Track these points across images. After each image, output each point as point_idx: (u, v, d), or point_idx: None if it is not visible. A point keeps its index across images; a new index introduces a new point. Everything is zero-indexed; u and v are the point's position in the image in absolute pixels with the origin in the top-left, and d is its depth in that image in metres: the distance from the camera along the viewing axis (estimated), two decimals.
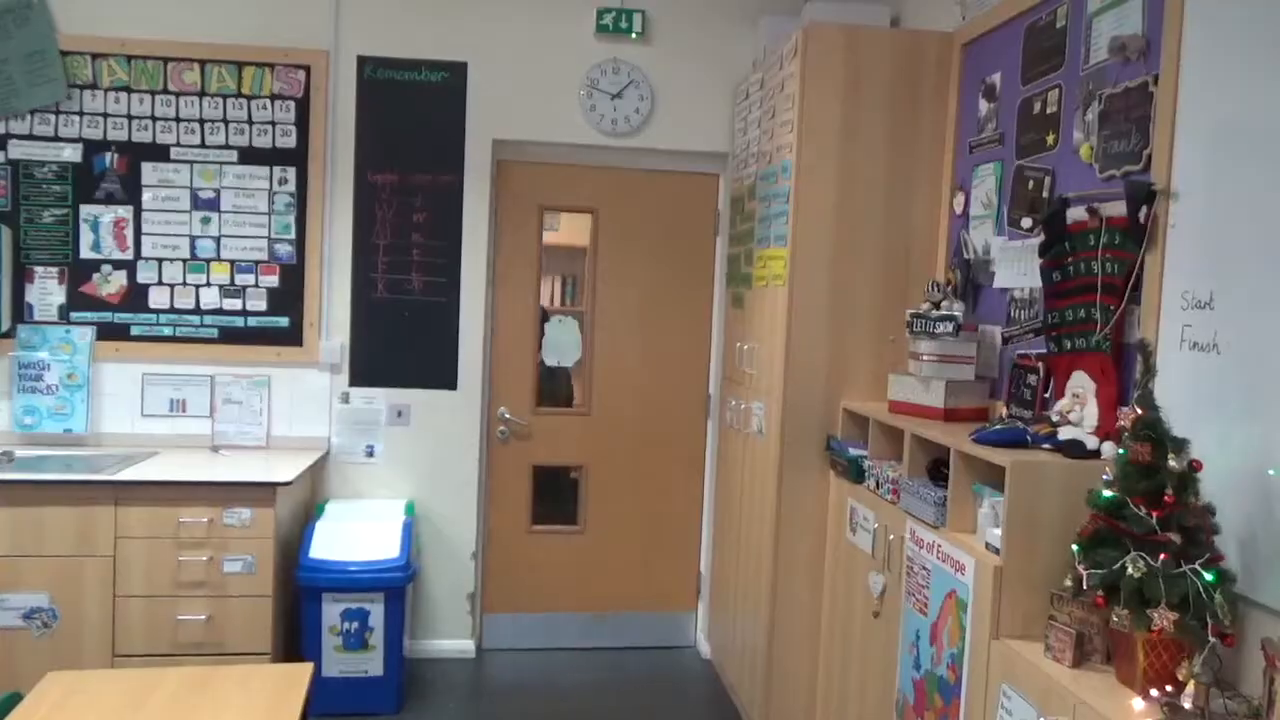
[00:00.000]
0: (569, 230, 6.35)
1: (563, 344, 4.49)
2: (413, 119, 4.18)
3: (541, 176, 4.38)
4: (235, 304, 4.14)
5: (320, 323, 4.16)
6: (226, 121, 4.09)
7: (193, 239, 4.12)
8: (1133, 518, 1.88)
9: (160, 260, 4.10)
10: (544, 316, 4.51)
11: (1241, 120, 1.99)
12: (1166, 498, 1.85)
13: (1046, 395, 2.65)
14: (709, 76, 4.33)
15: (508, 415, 4.39)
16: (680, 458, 4.54)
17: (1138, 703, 1.83)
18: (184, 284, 4.12)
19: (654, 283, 4.48)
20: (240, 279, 4.14)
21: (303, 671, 2.64)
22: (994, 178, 3.04)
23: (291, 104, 4.11)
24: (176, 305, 4.11)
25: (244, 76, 4.09)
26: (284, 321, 4.16)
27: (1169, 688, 1.81)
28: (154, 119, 4.06)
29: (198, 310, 4.12)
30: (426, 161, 4.20)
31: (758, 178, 3.82)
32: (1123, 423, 1.96)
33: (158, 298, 4.10)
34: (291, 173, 4.13)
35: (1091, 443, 2.27)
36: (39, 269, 4.04)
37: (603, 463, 4.50)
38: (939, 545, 2.49)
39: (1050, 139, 2.72)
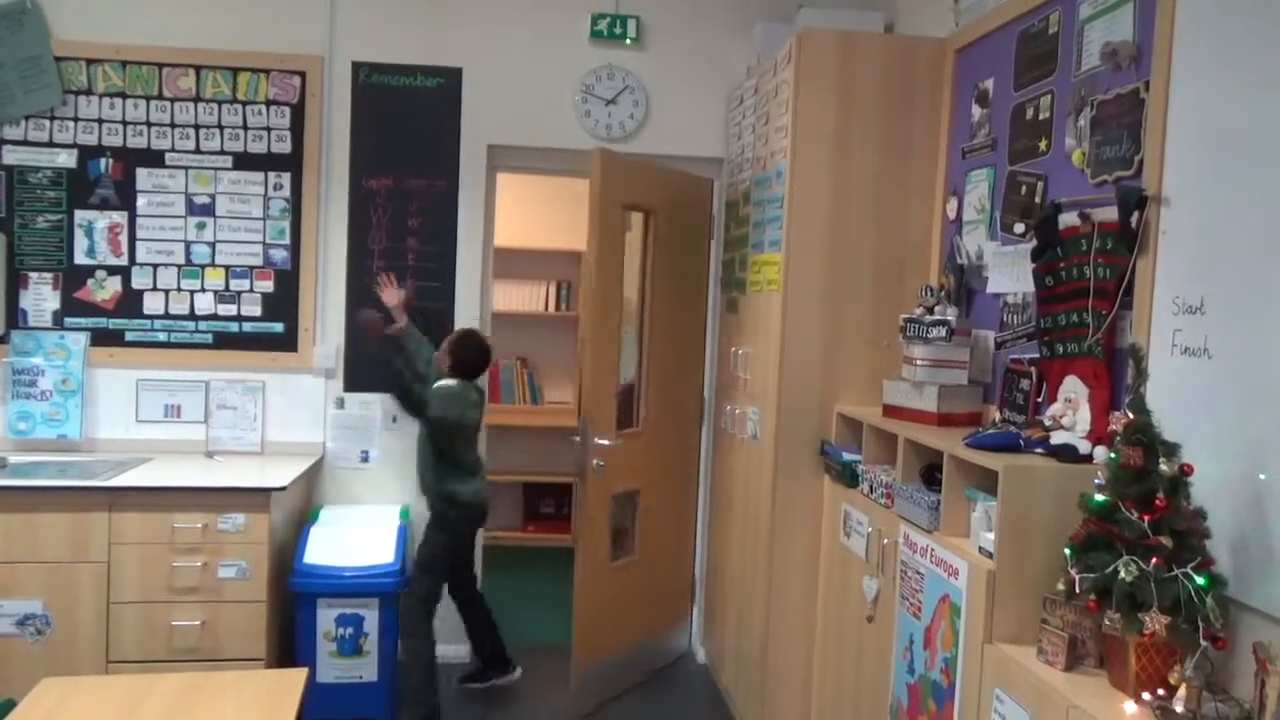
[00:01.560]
0: (554, 230, 6.34)
1: (628, 357, 4.20)
2: (407, 124, 4.19)
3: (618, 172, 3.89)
4: (230, 309, 4.14)
5: (315, 328, 4.16)
6: (221, 127, 4.10)
7: (187, 244, 4.12)
8: (1124, 522, 1.89)
9: (155, 266, 4.10)
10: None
11: (1232, 127, 2.01)
12: (1158, 502, 1.86)
13: (1039, 400, 2.66)
14: (703, 82, 4.34)
15: (605, 443, 3.84)
16: (680, 464, 4.50)
17: (1130, 706, 1.84)
18: (178, 289, 4.12)
19: (658, 288, 4.33)
20: (235, 284, 4.14)
21: (297, 677, 2.64)
22: (987, 183, 3.05)
23: (286, 109, 4.12)
24: (171, 311, 4.11)
25: (239, 82, 4.09)
26: (279, 327, 4.16)
27: (1161, 691, 1.82)
28: (149, 124, 4.07)
29: (192, 316, 4.12)
30: (421, 166, 4.20)
31: (752, 183, 3.83)
32: (1114, 427, 1.97)
33: (152, 303, 4.10)
34: (286, 178, 4.13)
35: (1084, 447, 2.27)
36: (33, 274, 4.04)
37: (651, 482, 4.22)
38: (932, 549, 2.49)
39: (1043, 145, 2.74)
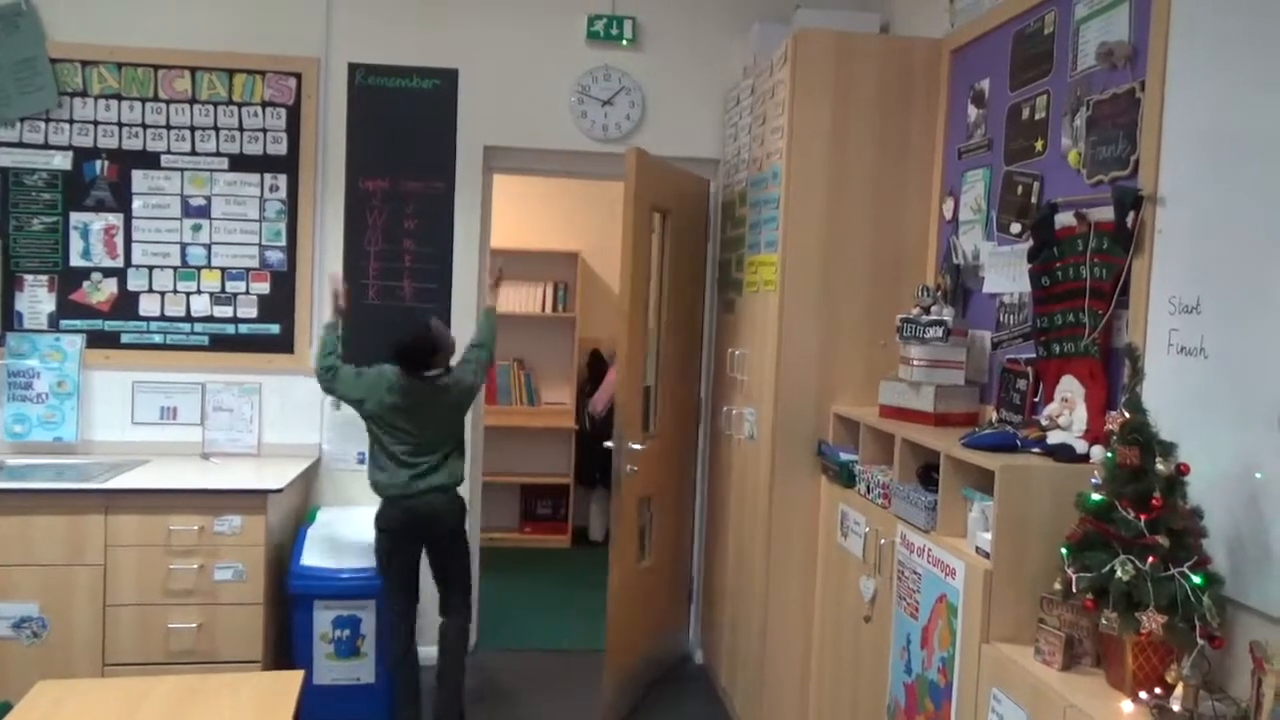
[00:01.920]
0: (551, 231, 6.34)
1: (648, 360, 4.14)
2: (404, 126, 4.18)
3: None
4: (226, 311, 4.14)
5: (311, 330, 4.15)
6: (217, 128, 4.09)
7: (183, 246, 4.11)
8: (1121, 521, 1.89)
9: (150, 268, 4.09)
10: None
11: (1227, 127, 2.01)
12: (1154, 501, 1.86)
13: (1036, 399, 2.66)
14: (700, 83, 4.34)
15: (638, 448, 3.82)
16: (683, 467, 4.48)
17: (1127, 705, 1.84)
18: (174, 291, 4.11)
19: (670, 290, 4.24)
20: (231, 286, 4.14)
21: (293, 679, 2.64)
22: (983, 183, 3.06)
23: (282, 111, 4.11)
24: (167, 313, 4.11)
25: (235, 83, 4.09)
26: (275, 329, 4.16)
27: (1158, 690, 1.82)
28: (144, 126, 4.06)
29: (188, 318, 4.12)
30: (417, 168, 4.20)
31: (748, 184, 3.83)
32: (1111, 426, 1.97)
33: (148, 305, 4.10)
34: (282, 179, 4.13)
35: (1080, 447, 2.28)
36: (28, 277, 4.03)
37: (663, 486, 4.18)
38: (929, 549, 2.49)
39: (1039, 145, 2.74)
